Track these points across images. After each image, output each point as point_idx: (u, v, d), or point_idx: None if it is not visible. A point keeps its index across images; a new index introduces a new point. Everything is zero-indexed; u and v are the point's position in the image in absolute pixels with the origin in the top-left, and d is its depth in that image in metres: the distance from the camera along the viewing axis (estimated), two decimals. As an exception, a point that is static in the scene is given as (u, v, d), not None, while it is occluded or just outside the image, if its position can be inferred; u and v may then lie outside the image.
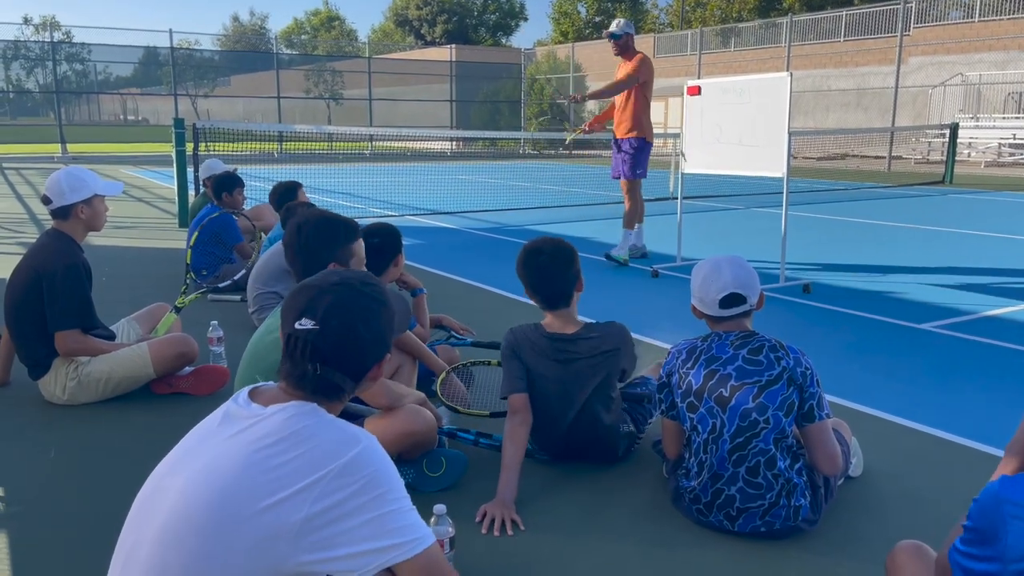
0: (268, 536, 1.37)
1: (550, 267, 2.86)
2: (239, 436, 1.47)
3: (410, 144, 31.67)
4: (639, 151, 7.34)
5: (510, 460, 2.72)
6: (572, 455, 3.00)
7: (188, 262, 4.46)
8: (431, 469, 2.77)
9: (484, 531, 2.53)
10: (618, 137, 7.44)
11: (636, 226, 7.52)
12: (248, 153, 18.56)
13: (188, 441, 1.56)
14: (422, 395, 2.86)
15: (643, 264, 7.25)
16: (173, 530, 1.41)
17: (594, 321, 2.96)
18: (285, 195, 5.49)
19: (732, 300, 2.52)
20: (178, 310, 4.14)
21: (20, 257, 3.66)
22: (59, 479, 2.93)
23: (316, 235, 2.74)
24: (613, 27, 7.45)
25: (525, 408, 2.83)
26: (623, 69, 7.36)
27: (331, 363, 1.54)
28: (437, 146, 31.84)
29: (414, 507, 1.52)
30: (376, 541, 1.43)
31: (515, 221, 10.58)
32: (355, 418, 2.67)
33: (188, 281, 4.28)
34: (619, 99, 7.45)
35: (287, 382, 1.55)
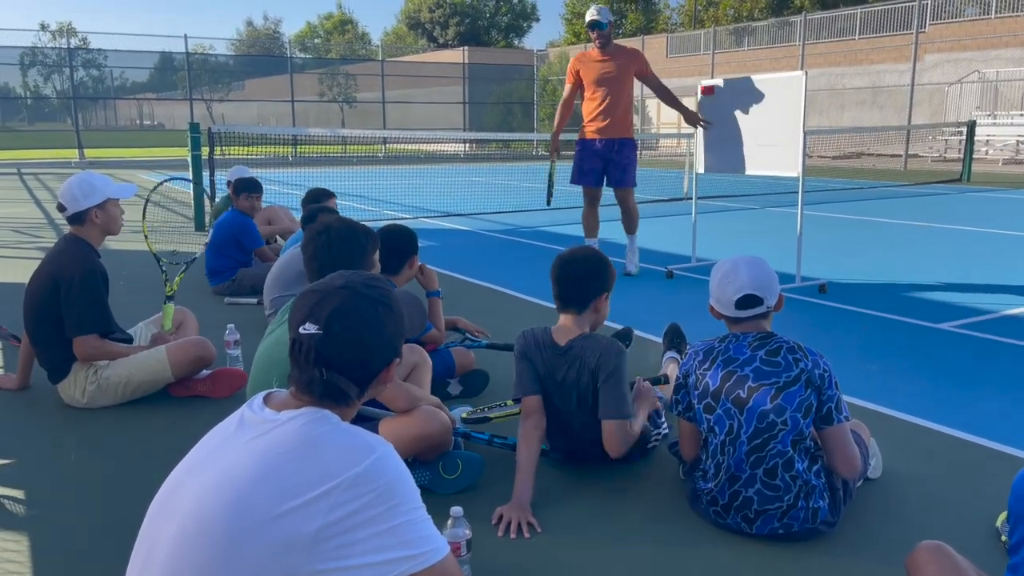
0: (282, 544, 1.37)
1: (579, 268, 2.85)
2: (253, 443, 1.47)
3: (423, 146, 31.74)
4: (634, 153, 6.85)
5: (525, 462, 2.71)
6: (586, 456, 2.99)
7: (153, 252, 4.43)
8: (447, 471, 2.77)
9: (500, 534, 2.52)
10: (616, 138, 6.68)
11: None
12: (263, 157, 18.67)
13: (204, 446, 1.56)
14: (437, 400, 2.87)
15: (658, 264, 7.21)
16: (188, 535, 1.41)
17: (590, 333, 2.93)
18: (315, 201, 5.49)
19: (748, 301, 2.50)
20: (170, 298, 4.15)
21: (39, 262, 3.69)
22: (79, 482, 2.95)
23: (337, 242, 2.74)
24: (595, 14, 6.50)
25: (538, 410, 2.83)
26: (617, 65, 6.58)
27: (336, 368, 1.53)
28: (450, 148, 31.89)
29: (429, 517, 1.51)
30: (392, 552, 1.43)
31: (528, 223, 10.58)
32: (369, 420, 2.67)
33: (164, 268, 4.27)
34: (611, 94, 6.62)
35: (296, 387, 1.55)
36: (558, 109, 7.07)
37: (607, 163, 6.74)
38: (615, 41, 6.92)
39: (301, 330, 1.53)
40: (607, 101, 6.64)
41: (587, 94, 6.76)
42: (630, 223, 6.97)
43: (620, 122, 6.70)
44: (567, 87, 6.88)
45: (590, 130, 6.75)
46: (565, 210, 11.78)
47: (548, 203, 7.38)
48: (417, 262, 3.69)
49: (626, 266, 6.91)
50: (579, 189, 6.94)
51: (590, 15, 6.58)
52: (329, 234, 2.74)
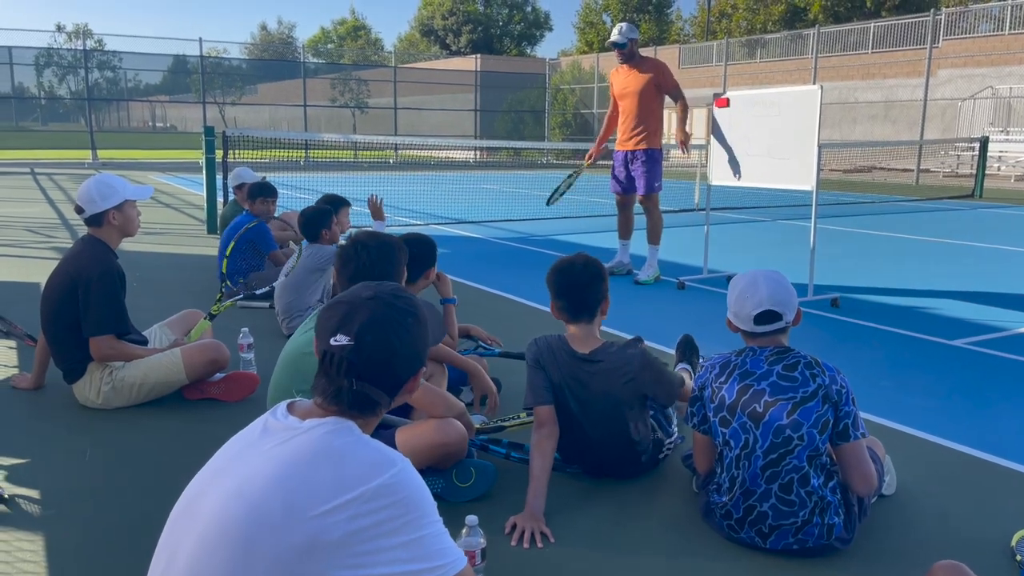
0: (301, 552, 1.38)
1: (580, 276, 2.87)
2: (275, 450, 1.47)
3: (434, 153, 31.83)
4: (657, 162, 7.08)
5: (538, 472, 2.71)
6: (601, 468, 2.99)
7: (224, 271, 4.50)
8: (460, 479, 2.77)
9: (514, 543, 2.52)
10: (631, 149, 7.09)
11: (636, 242, 7.32)
12: (274, 161, 18.76)
13: (228, 451, 1.57)
14: (464, 407, 2.87)
15: (669, 275, 7.20)
16: (210, 540, 1.42)
17: (613, 342, 2.94)
18: (329, 204, 5.49)
19: (767, 317, 2.50)
20: (212, 317, 4.19)
21: (54, 262, 3.72)
22: (93, 482, 2.96)
23: (378, 259, 2.79)
24: (615, 35, 6.99)
25: (551, 420, 2.83)
26: (637, 79, 6.98)
27: (367, 378, 1.53)
28: (461, 155, 31.96)
29: (446, 530, 1.52)
30: (411, 564, 1.44)
31: (539, 231, 10.59)
32: (387, 428, 2.68)
33: (223, 289, 4.32)
34: (632, 108, 7.02)
35: (323, 397, 1.55)
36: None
37: (628, 172, 7.22)
38: (643, 54, 7.32)
39: (332, 342, 1.53)
40: (626, 114, 7.15)
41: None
42: (649, 232, 7.23)
43: (637, 134, 7.08)
44: (611, 100, 7.43)
45: (616, 142, 7.35)
46: (574, 219, 11.80)
47: (548, 203, 8.05)
48: (434, 273, 3.70)
49: (637, 274, 7.04)
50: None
51: (612, 36, 7.08)
52: (369, 250, 2.79)
